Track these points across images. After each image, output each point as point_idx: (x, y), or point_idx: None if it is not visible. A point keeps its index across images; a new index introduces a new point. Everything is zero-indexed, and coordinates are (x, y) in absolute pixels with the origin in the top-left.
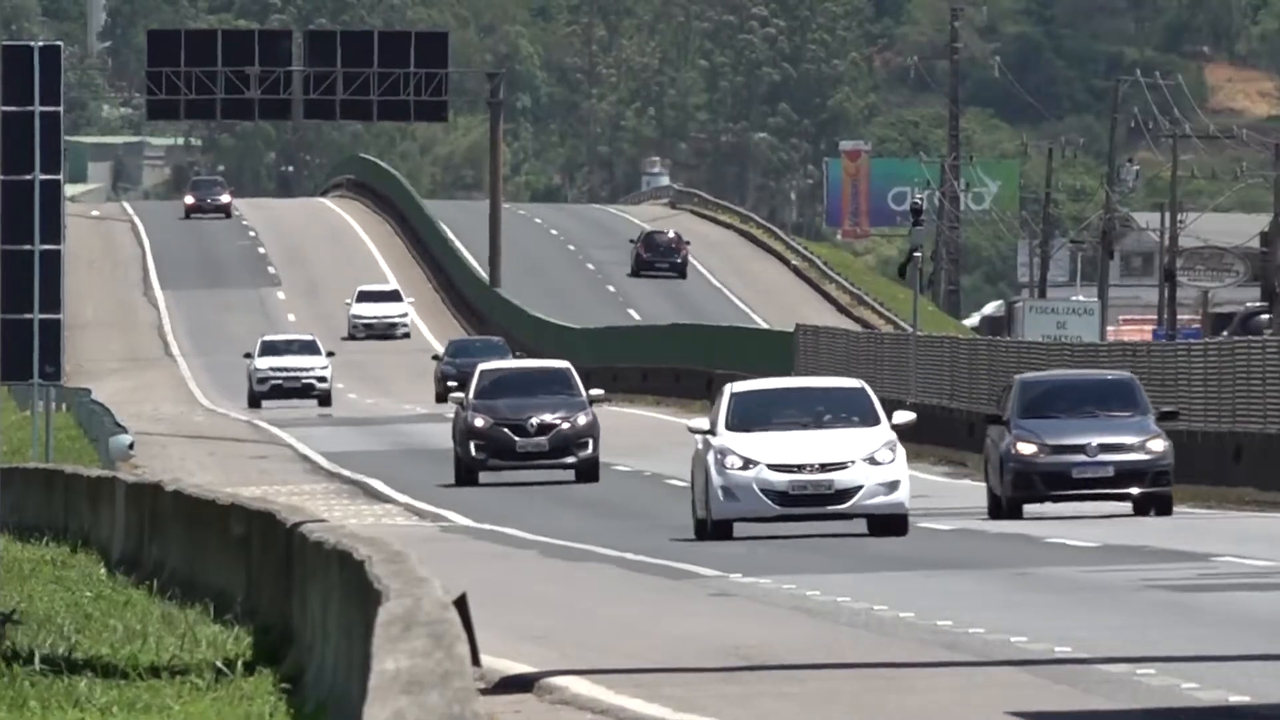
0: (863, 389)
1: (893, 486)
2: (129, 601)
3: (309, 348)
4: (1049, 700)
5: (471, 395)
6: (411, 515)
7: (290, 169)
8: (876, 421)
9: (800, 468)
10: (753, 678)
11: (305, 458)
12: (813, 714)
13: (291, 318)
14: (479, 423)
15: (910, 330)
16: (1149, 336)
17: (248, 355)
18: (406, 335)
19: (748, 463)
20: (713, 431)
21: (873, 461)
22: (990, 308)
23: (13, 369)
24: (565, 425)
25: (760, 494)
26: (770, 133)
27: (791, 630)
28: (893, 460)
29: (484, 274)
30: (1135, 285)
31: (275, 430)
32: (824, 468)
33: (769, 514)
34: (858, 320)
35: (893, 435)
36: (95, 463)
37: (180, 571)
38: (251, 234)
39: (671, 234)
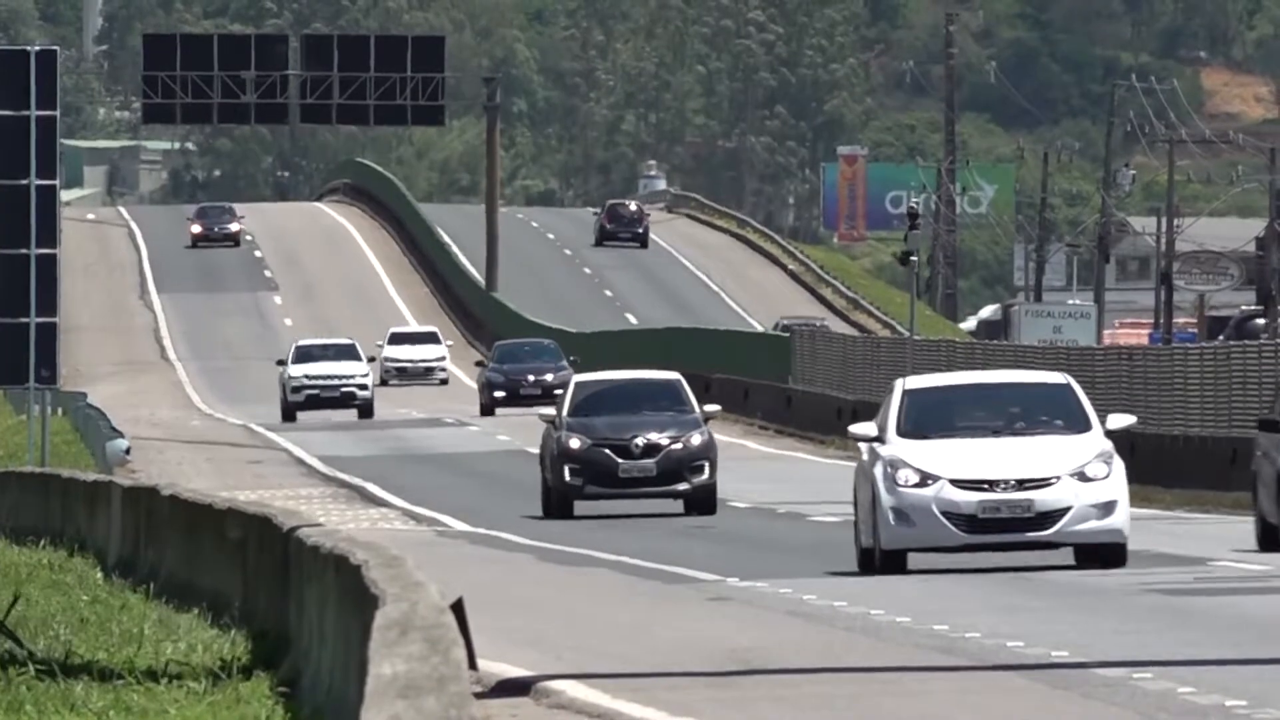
0: (1068, 385)
1: (1108, 508)
2: (125, 605)
3: (348, 352)
4: (1045, 705)
5: (565, 412)
6: (408, 520)
7: (286, 174)
8: (1087, 426)
9: (992, 485)
10: (749, 682)
11: (301, 462)
12: (808, 718)
13: (288, 322)
14: (574, 444)
15: (907, 334)
16: (1145, 340)
17: (281, 362)
18: (444, 381)
19: (926, 478)
20: (881, 439)
21: (1083, 477)
22: (987, 311)
23: (9, 373)
24: (676, 446)
25: (942, 518)
26: (767, 137)
27: (788, 634)
28: (1108, 475)
29: (480, 278)
30: (1131, 289)
31: (272, 435)
32: (1022, 485)
33: (952, 543)
34: (854, 324)
35: (1108, 444)
36: (91, 467)
37: (177, 575)
38: (248, 238)
39: (634, 206)
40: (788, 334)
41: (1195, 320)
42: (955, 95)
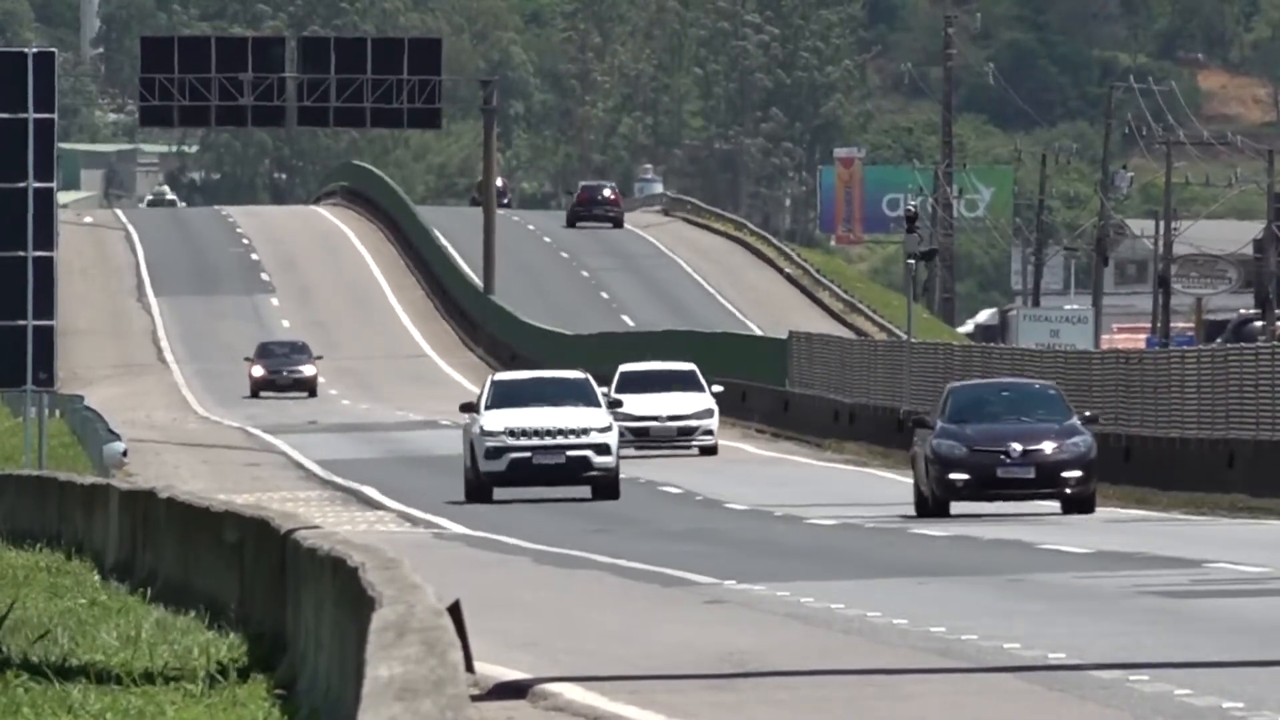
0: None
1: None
2: (123, 608)
3: (576, 392)
4: (1042, 707)
5: None
6: (405, 522)
7: (283, 177)
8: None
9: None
10: (746, 684)
11: (298, 465)
12: None
13: (285, 324)
14: None
15: (904, 337)
16: (1143, 344)
17: (467, 407)
18: (711, 450)
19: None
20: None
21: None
22: (984, 315)
23: (6, 375)
24: None
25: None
26: (764, 139)
27: (785, 637)
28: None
29: (478, 281)
30: (1129, 293)
31: (268, 437)
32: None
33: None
34: (850, 327)
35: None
36: (89, 469)
37: (174, 578)
38: (245, 241)
39: (501, 182)
40: None
41: (1193, 324)
42: (953, 97)
